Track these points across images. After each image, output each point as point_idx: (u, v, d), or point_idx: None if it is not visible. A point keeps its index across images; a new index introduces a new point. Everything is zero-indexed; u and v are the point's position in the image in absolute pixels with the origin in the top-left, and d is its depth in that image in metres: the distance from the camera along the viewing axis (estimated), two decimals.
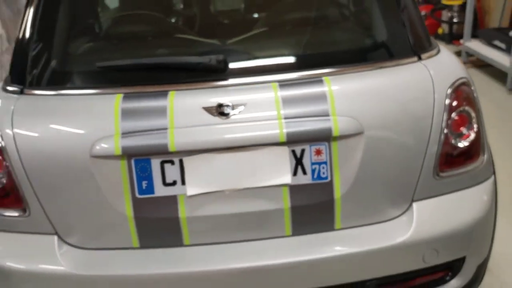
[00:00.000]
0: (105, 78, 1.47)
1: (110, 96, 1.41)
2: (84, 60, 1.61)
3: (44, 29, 1.53)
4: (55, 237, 1.47)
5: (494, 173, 1.63)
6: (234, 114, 1.37)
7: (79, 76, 1.52)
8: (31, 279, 1.46)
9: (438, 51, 1.59)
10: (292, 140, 1.37)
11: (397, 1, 1.54)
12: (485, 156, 1.57)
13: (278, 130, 1.36)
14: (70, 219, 1.46)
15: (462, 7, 5.41)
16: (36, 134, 1.42)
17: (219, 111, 1.37)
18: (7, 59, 5.22)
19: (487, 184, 1.59)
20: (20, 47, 1.55)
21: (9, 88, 1.52)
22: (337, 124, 1.38)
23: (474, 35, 5.07)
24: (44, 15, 1.53)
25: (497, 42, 4.62)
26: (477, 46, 4.84)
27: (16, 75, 1.52)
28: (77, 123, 1.40)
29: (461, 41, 5.08)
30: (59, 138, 1.40)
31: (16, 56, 1.55)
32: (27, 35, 1.54)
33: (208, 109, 1.37)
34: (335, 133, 1.38)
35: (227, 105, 1.37)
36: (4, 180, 1.45)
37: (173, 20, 1.80)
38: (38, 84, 1.49)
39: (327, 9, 1.72)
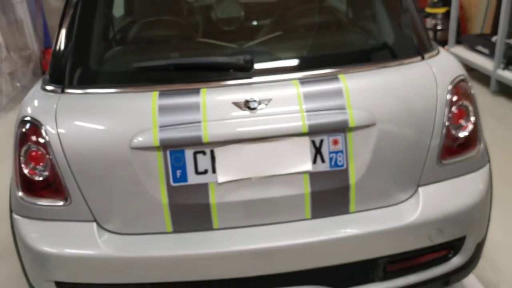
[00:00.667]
0: (142, 78, 1.61)
1: (147, 94, 1.55)
2: (119, 61, 1.74)
3: (82, 33, 1.66)
4: (94, 224, 1.60)
5: (489, 161, 1.81)
6: (261, 109, 1.52)
7: (116, 76, 1.66)
8: (74, 263, 1.59)
9: (438, 52, 1.77)
10: (313, 131, 1.52)
11: (402, 7, 1.72)
12: (481, 145, 1.74)
13: (301, 122, 1.51)
14: (109, 207, 1.59)
15: (446, 15, 5.67)
16: (78, 130, 1.55)
17: (247, 105, 1.52)
18: (6, 66, 5.29)
19: (484, 171, 1.76)
20: (59, 50, 1.68)
21: (50, 88, 1.65)
22: (352, 116, 1.54)
23: (458, 41, 5.32)
24: (81, 19, 1.66)
25: (480, 48, 4.86)
26: (461, 52, 5.08)
27: (56, 76, 1.65)
28: (117, 118, 1.54)
29: (446, 47, 5.32)
30: (100, 133, 1.53)
31: (56, 58, 1.68)
32: (66, 38, 1.67)
33: (237, 104, 1.52)
34: (351, 124, 1.53)
35: (254, 101, 1.52)
36: (47, 172, 1.58)
37: (195, 25, 1.94)
38: (77, 83, 1.62)
39: (341, 14, 1.89)
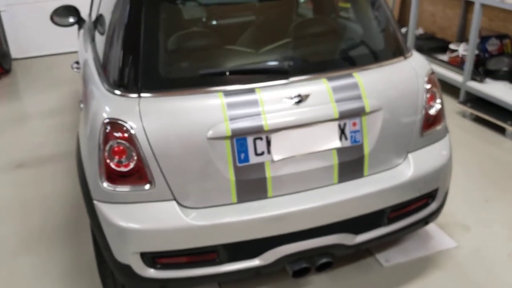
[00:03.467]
0: (206, 81, 1.98)
1: (214, 94, 1.95)
2: (184, 68, 2.08)
3: (149, 43, 1.97)
4: (174, 202, 1.97)
5: (448, 132, 2.45)
6: (304, 101, 1.99)
7: (184, 81, 2.00)
8: (158, 235, 1.95)
9: (412, 53, 2.36)
10: (341, 116, 2.03)
11: (390, 22, 2.28)
12: (444, 120, 2.37)
13: (333, 110, 2.01)
14: (186, 187, 1.96)
15: None
16: (161, 126, 1.90)
17: (294, 100, 1.98)
18: None
19: (447, 139, 2.40)
20: (128, 60, 1.99)
21: (123, 93, 1.96)
22: (367, 103, 2.06)
23: None
24: (147, 32, 1.97)
25: None
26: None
27: (128, 83, 1.96)
28: (194, 115, 1.91)
29: None
30: (180, 127, 1.90)
31: (125, 67, 1.99)
32: (133, 50, 1.98)
33: (286, 99, 1.98)
34: (367, 110, 2.06)
35: (299, 95, 1.99)
36: (134, 162, 1.91)
37: (235, 34, 2.32)
38: (152, 88, 1.95)
39: (350, 26, 2.40)
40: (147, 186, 1.94)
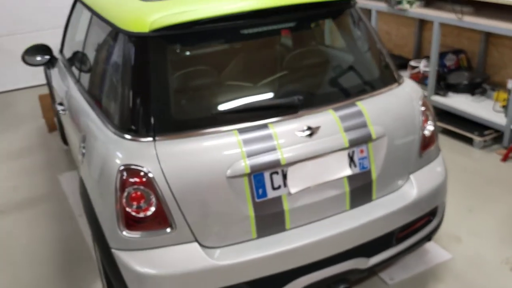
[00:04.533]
0: (219, 120, 2.00)
1: (229, 132, 1.96)
2: (195, 109, 2.08)
3: (160, 90, 1.98)
4: (196, 243, 1.96)
5: (440, 150, 2.57)
6: (316, 133, 2.04)
7: (196, 122, 2.00)
8: (184, 278, 1.93)
9: (403, 79, 2.47)
10: (351, 145, 2.09)
11: (385, 54, 2.39)
12: (437, 139, 2.50)
13: (343, 139, 2.08)
14: (207, 227, 1.96)
15: None
16: (180, 168, 1.89)
17: (306, 132, 2.03)
18: None
19: (440, 157, 2.53)
20: (139, 105, 1.97)
21: (134, 138, 1.94)
22: (373, 130, 2.15)
23: None
24: (157, 78, 1.98)
25: None
26: None
27: (143, 127, 1.94)
28: (212, 155, 1.92)
29: None
30: (199, 168, 1.90)
31: (137, 112, 1.97)
32: (144, 95, 1.97)
33: (299, 132, 2.02)
34: (373, 137, 2.14)
35: (310, 128, 2.04)
36: (154, 207, 1.89)
37: (240, 72, 2.35)
38: (166, 131, 1.94)
39: (348, 57, 2.48)
40: (168, 230, 1.92)
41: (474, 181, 3.62)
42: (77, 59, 2.98)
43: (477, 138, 4.11)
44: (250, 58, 2.32)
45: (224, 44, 2.24)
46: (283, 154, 1.98)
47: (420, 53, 5.46)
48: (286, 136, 2.01)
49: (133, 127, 1.98)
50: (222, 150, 1.94)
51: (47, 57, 3.46)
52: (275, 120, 2.04)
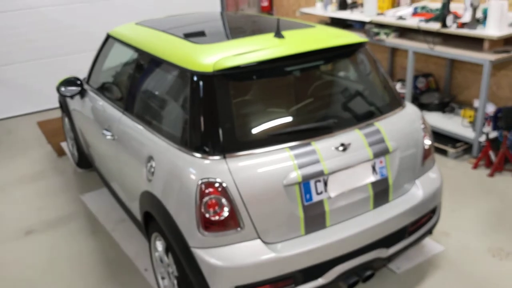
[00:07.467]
0: (274, 140, 2.47)
1: (283, 149, 2.45)
2: (253, 131, 2.54)
3: (225, 116, 2.43)
4: (259, 240, 2.41)
5: (435, 159, 3.14)
6: (348, 148, 2.56)
7: (256, 141, 2.47)
8: (249, 269, 2.37)
9: (405, 102, 3.04)
10: (374, 157, 2.62)
11: (389, 81, 2.95)
12: (433, 151, 3.07)
13: (368, 153, 2.60)
14: (267, 226, 2.42)
15: None
16: (247, 178, 2.35)
17: (341, 148, 2.54)
18: None
19: (436, 166, 3.10)
20: (211, 130, 2.42)
21: (204, 156, 2.39)
22: (390, 145, 2.68)
23: None
24: (222, 105, 2.43)
25: None
26: None
27: (213, 147, 2.39)
28: (271, 168, 2.39)
29: None
30: (262, 178, 2.37)
31: (209, 135, 2.42)
32: (212, 120, 2.43)
33: (336, 148, 2.53)
34: (390, 150, 2.68)
35: (343, 144, 2.55)
36: (227, 212, 2.34)
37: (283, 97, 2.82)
38: (232, 150, 2.40)
39: (365, 87, 3.02)
40: (238, 229, 2.37)
41: (452, 185, 4.24)
42: (122, 90, 3.38)
43: (450, 150, 4.76)
44: (293, 89, 2.83)
45: (271, 78, 2.72)
46: (326, 166, 2.48)
47: (393, 77, 6.13)
48: (325, 151, 2.51)
49: (205, 148, 2.42)
50: (279, 163, 2.42)
51: (79, 88, 3.85)
52: (316, 139, 2.54)
